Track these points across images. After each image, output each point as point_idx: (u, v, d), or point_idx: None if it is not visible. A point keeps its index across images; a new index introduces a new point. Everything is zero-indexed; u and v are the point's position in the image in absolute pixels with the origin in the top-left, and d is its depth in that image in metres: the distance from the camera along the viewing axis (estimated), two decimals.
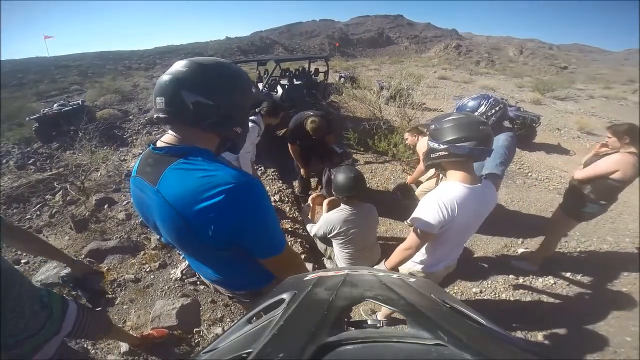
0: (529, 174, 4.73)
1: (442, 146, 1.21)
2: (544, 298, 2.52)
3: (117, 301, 2.58)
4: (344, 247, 1.95)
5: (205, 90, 0.77)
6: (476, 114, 1.85)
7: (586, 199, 2.24)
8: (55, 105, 7.11)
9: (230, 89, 0.83)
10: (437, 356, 0.23)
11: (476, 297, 2.54)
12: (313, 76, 6.50)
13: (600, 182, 2.13)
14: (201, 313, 2.43)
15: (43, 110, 6.77)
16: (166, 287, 2.65)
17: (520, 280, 2.67)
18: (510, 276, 2.71)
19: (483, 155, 1.19)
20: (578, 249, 3.09)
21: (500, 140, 1.94)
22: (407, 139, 3.03)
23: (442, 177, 2.59)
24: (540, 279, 2.68)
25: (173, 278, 2.72)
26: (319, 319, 0.28)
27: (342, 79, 8.21)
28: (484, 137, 1.16)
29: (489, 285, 2.63)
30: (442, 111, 7.26)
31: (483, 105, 1.87)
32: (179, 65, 0.78)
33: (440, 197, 1.20)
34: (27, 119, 6.71)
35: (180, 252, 0.94)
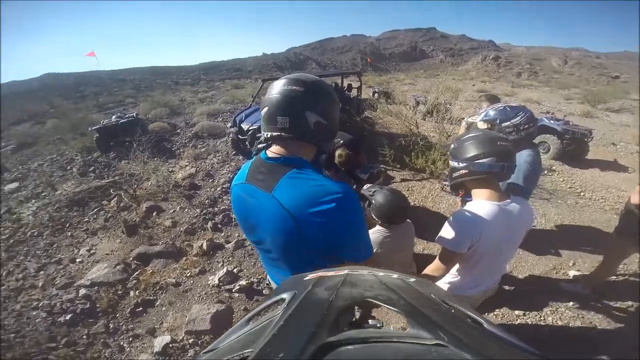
0: (582, 194, 4.37)
1: (461, 164, 1.20)
2: (597, 324, 2.32)
3: (157, 303, 2.74)
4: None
5: (323, 110, 0.86)
6: (508, 123, 1.77)
7: None
8: (113, 117, 7.69)
9: (335, 106, 0.91)
10: (437, 356, 0.24)
11: (518, 320, 2.39)
12: (346, 92, 6.49)
13: None
14: (233, 320, 2.50)
15: (103, 122, 7.34)
16: (203, 293, 2.78)
17: (570, 304, 2.48)
18: (559, 300, 2.52)
19: (505, 172, 1.16)
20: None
21: (523, 156, 1.85)
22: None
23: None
24: (593, 304, 2.47)
25: (211, 284, 2.84)
26: (319, 319, 0.28)
27: (376, 94, 8.20)
28: (504, 153, 1.13)
29: (534, 309, 2.47)
30: None
31: (519, 117, 1.77)
32: (294, 85, 0.83)
33: (466, 215, 1.17)
34: (89, 129, 7.33)
35: (274, 262, 1.00)
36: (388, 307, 0.32)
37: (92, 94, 22.39)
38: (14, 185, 5.67)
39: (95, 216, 4.24)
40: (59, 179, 5.79)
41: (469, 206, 1.21)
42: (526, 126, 1.77)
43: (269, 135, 0.87)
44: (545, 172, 4.93)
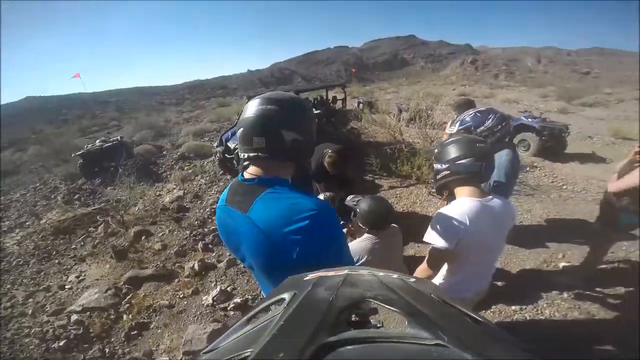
0: (564, 187, 4.52)
1: (444, 166, 1.28)
2: (594, 313, 2.36)
3: (152, 326, 2.72)
4: None
5: (299, 127, 0.86)
6: (482, 128, 1.83)
7: (624, 211, 2.11)
8: (97, 141, 7.56)
9: (311, 122, 0.92)
10: (437, 356, 0.23)
11: (516, 315, 2.41)
12: (331, 104, 6.56)
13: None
14: None
15: (86, 147, 7.21)
16: (198, 313, 2.76)
17: (565, 295, 2.51)
18: (553, 292, 2.56)
19: (484, 172, 1.23)
20: (629, 261, 2.88)
21: (502, 156, 1.94)
22: None
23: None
24: (588, 293, 2.52)
25: (205, 304, 2.82)
26: (319, 319, 0.28)
27: (361, 105, 8.35)
28: (482, 154, 1.21)
29: (529, 303, 2.50)
30: None
31: (490, 120, 1.83)
32: (268, 104, 0.83)
33: (450, 212, 1.22)
34: (72, 155, 7.18)
35: (260, 279, 1.01)
36: (388, 307, 0.31)
37: (75, 118, 22.03)
38: None
39: (82, 243, 4.23)
40: (42, 208, 5.73)
41: (452, 204, 1.26)
42: (499, 127, 1.84)
43: (246, 156, 0.87)
44: (527, 169, 5.08)
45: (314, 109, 6.13)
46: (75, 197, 5.97)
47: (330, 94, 6.84)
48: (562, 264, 2.88)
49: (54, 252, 4.10)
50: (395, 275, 0.41)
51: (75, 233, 4.48)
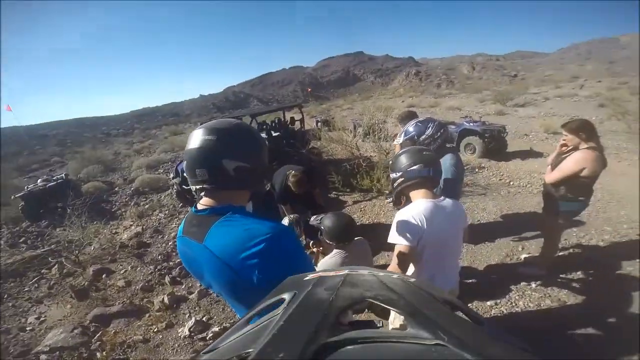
0: (511, 183, 4.88)
1: (398, 174, 1.45)
2: (565, 299, 2.47)
3: None
4: None
5: (243, 155, 0.85)
6: (424, 136, 2.04)
7: (563, 199, 2.31)
8: (39, 180, 7.05)
9: (257, 147, 0.91)
10: (437, 356, 0.24)
11: (493, 310, 2.47)
12: (290, 125, 6.62)
13: (572, 182, 2.19)
14: None
15: (27, 187, 6.71)
16: (176, 345, 2.71)
17: (533, 286, 2.63)
18: (522, 283, 2.67)
19: (433, 175, 1.41)
20: (581, 245, 3.13)
21: (447, 161, 2.11)
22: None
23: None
24: (553, 280, 2.66)
25: (182, 336, 2.77)
26: (319, 319, 0.28)
27: (319, 124, 8.55)
28: (428, 160, 1.40)
29: (503, 296, 2.58)
30: None
31: (430, 128, 2.02)
32: (207, 135, 0.83)
33: (408, 212, 1.36)
34: (12, 197, 6.61)
35: (230, 304, 0.98)
36: (388, 307, 0.31)
37: (11, 155, 19.92)
38: None
39: (36, 285, 4.03)
40: None
41: (409, 206, 1.41)
42: (438, 134, 2.05)
43: (193, 188, 0.87)
44: (477, 170, 5.49)
45: (272, 132, 6.22)
46: (21, 240, 5.57)
47: (288, 115, 6.90)
48: (523, 256, 3.03)
49: (6, 295, 3.89)
50: (395, 275, 0.41)
51: (27, 275, 4.25)
